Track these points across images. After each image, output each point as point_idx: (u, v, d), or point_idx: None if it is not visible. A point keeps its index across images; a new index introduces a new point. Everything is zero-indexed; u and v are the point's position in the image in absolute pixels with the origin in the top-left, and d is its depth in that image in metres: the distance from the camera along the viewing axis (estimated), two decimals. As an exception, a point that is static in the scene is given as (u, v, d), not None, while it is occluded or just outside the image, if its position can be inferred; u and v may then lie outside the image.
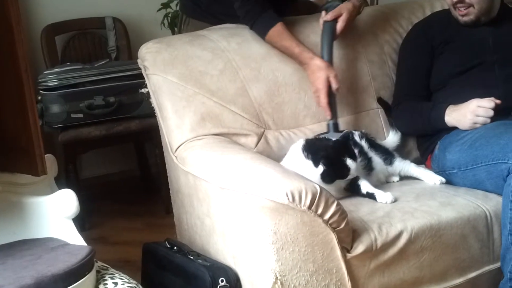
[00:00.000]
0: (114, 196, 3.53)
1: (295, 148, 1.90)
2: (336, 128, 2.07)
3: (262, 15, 2.10)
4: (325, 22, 2.16)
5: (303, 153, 1.84)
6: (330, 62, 2.11)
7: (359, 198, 1.88)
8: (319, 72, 2.05)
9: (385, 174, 2.05)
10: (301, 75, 2.17)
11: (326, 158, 1.78)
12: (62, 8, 3.44)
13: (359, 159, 1.95)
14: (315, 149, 1.83)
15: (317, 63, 2.07)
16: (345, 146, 1.85)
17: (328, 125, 2.08)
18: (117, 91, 3.09)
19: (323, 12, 2.18)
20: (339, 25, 2.14)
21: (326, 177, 1.80)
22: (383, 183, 2.03)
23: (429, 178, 2.02)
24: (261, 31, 2.13)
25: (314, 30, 2.23)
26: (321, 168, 1.79)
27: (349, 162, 1.81)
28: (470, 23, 2.17)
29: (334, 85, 2.05)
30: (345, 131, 2.00)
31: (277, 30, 2.10)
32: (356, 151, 1.95)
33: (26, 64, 1.68)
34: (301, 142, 1.89)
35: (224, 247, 1.77)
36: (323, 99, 2.04)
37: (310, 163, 1.81)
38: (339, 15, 2.14)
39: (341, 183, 1.87)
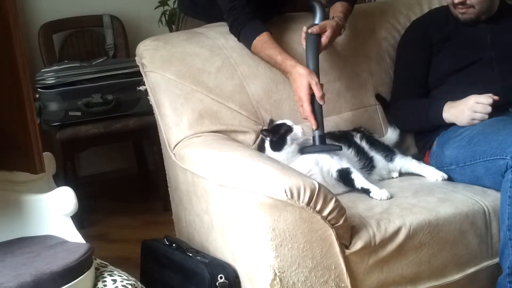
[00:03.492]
0: (112, 194, 3.53)
1: None
2: (322, 140, 1.90)
3: (248, 24, 2.04)
4: (309, 34, 2.04)
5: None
6: (316, 72, 1.97)
7: (357, 194, 1.88)
8: (300, 79, 1.92)
9: (386, 170, 2.05)
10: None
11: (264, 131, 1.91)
12: (60, 6, 3.44)
13: (360, 164, 1.97)
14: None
15: (299, 71, 1.93)
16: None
17: (313, 137, 1.91)
18: (115, 89, 3.09)
19: (304, 27, 2.07)
20: (324, 40, 2.03)
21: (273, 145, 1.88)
22: (384, 179, 2.04)
23: (431, 174, 2.02)
24: (246, 41, 2.06)
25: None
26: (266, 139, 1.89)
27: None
28: (469, 22, 2.16)
29: (318, 93, 1.89)
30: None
31: (262, 40, 2.01)
32: (357, 157, 1.98)
33: (23, 62, 1.67)
34: None
35: (223, 244, 1.77)
36: (306, 107, 1.89)
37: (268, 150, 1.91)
38: (324, 31, 2.04)
39: (329, 171, 1.88)
